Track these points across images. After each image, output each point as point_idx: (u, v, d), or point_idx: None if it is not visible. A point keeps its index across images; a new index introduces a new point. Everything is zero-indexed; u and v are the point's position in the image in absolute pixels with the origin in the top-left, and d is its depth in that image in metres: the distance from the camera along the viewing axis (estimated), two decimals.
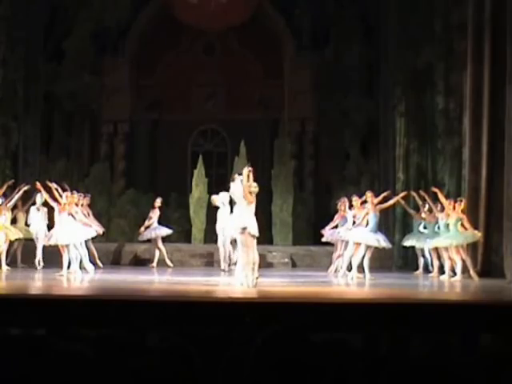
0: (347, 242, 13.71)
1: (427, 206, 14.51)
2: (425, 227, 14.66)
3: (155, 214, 16.38)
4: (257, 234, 10.97)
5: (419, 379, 3.45)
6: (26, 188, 14.55)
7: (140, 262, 16.62)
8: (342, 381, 3.53)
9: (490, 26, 14.08)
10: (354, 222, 13.71)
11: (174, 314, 8.83)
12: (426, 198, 14.58)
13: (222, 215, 15.07)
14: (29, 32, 17.54)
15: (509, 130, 13.16)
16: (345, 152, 19.44)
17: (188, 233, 19.07)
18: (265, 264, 16.29)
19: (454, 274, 13.28)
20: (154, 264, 16.08)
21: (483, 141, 14.21)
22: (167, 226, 16.63)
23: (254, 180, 10.99)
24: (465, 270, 13.36)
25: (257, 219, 12.22)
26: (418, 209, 14.92)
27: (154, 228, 16.29)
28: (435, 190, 14.30)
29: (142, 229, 16.29)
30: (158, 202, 16.56)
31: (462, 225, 13.40)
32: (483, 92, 14.23)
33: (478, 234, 13.57)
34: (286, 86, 19.98)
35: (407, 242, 15.05)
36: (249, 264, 10.84)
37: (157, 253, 16.16)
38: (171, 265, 16.01)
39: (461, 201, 13.65)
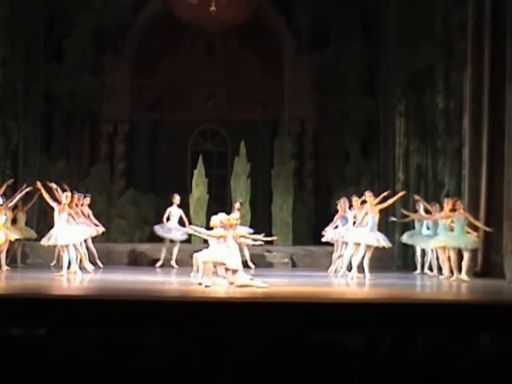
0: (347, 243, 13.72)
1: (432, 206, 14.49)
2: (428, 228, 14.63)
3: (177, 212, 15.87)
4: (235, 267, 11.06)
5: (419, 379, 3.45)
6: (27, 189, 14.53)
7: (140, 262, 16.59)
8: (342, 381, 3.53)
9: (490, 26, 14.08)
10: (354, 223, 13.72)
11: (174, 314, 8.83)
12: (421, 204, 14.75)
13: None
14: (29, 32, 17.52)
15: (509, 129, 13.16)
16: (345, 152, 19.44)
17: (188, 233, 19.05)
18: (265, 264, 16.33)
19: (452, 273, 13.31)
20: (174, 263, 15.73)
21: (483, 141, 14.21)
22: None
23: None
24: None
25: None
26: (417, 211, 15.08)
27: (177, 228, 15.73)
28: (417, 197, 14.70)
29: (189, 227, 14.17)
30: (177, 198, 16.08)
31: (468, 225, 13.46)
32: (483, 92, 14.23)
33: (478, 242, 13.62)
34: (286, 86, 19.97)
35: (405, 239, 15.06)
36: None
37: (164, 251, 15.88)
38: (176, 266, 15.75)
39: (457, 199, 13.75)
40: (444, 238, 13.57)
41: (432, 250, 14.29)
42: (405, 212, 15.20)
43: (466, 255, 13.29)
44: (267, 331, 3.45)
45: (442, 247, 13.58)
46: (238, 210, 15.89)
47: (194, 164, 19.57)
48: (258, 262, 15.94)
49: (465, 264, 13.24)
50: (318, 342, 3.79)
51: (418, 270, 14.92)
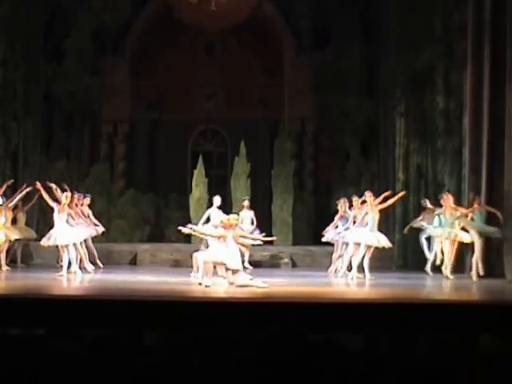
0: (347, 243, 13.72)
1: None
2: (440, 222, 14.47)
3: (216, 215, 13.88)
4: (235, 267, 11.04)
5: (419, 379, 3.45)
6: (27, 189, 14.52)
7: (140, 263, 16.59)
8: (341, 381, 3.53)
9: (490, 26, 14.09)
10: (354, 223, 13.71)
11: (174, 314, 8.83)
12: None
13: None
14: (29, 32, 17.51)
15: (509, 129, 13.17)
16: (345, 152, 19.43)
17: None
18: (265, 264, 16.33)
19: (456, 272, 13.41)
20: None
21: (483, 141, 14.22)
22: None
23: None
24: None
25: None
26: (418, 211, 15.07)
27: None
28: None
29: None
30: (218, 200, 14.68)
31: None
32: (483, 92, 14.24)
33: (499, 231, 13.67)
34: (285, 86, 19.96)
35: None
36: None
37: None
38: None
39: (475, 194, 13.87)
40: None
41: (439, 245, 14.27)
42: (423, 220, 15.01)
43: (477, 252, 13.37)
44: (267, 331, 3.45)
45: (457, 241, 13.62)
46: (248, 207, 15.92)
47: (194, 164, 19.57)
48: (258, 262, 15.96)
49: (474, 263, 13.33)
50: (317, 342, 3.78)
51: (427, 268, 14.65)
